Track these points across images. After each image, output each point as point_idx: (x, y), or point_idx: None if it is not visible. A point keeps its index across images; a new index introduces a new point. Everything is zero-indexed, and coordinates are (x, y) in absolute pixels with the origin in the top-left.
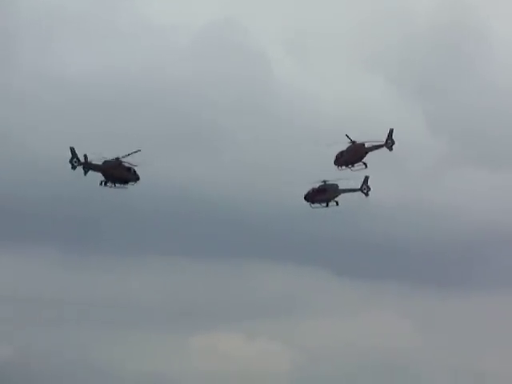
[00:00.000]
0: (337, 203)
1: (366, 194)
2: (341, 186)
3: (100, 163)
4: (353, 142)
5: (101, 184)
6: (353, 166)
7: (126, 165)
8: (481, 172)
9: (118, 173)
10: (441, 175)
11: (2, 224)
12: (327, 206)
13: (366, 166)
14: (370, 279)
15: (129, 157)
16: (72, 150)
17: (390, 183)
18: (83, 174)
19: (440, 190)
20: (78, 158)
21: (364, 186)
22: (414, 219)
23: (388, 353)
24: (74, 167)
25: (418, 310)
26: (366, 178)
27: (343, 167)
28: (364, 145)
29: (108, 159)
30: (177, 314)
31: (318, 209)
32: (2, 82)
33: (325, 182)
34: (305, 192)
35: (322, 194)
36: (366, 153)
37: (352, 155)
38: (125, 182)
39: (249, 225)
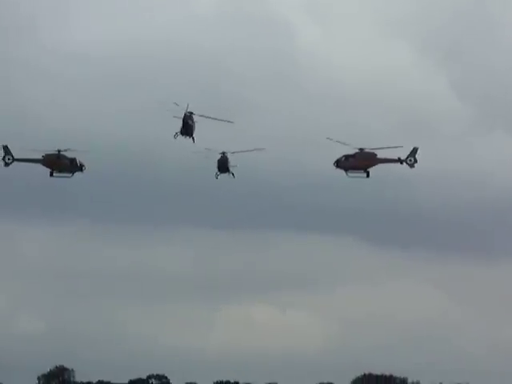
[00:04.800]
0: (367, 175)
1: (411, 166)
2: (380, 155)
3: (39, 157)
4: (361, 150)
5: (50, 175)
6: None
7: (68, 156)
8: (509, 138)
9: (59, 164)
10: (468, 142)
11: (31, 200)
12: (368, 176)
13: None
14: (400, 248)
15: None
16: (5, 147)
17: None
18: (4, 165)
19: (467, 157)
20: (11, 155)
21: (410, 158)
22: (446, 187)
23: (420, 322)
24: (7, 164)
25: (451, 278)
26: (415, 150)
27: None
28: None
29: (49, 153)
30: (206, 285)
31: (356, 178)
32: (22, 57)
33: (361, 149)
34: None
35: (355, 161)
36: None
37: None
38: (69, 172)
39: (277, 196)
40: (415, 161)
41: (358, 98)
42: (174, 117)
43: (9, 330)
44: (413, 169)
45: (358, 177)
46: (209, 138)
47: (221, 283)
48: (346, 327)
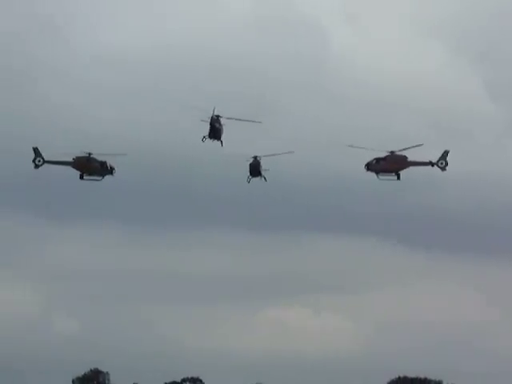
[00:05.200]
0: (398, 177)
1: (443, 169)
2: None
3: (70, 159)
4: (391, 152)
5: (80, 178)
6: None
7: (98, 159)
8: None
9: (89, 167)
10: (503, 144)
11: (63, 202)
12: (398, 178)
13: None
14: (435, 250)
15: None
16: (35, 150)
17: (454, 153)
18: (34, 167)
19: (501, 159)
20: (42, 157)
21: (441, 161)
22: (479, 189)
23: (455, 324)
24: (37, 166)
25: (486, 281)
26: (446, 153)
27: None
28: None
29: (79, 155)
30: (242, 289)
31: (386, 181)
32: (56, 64)
33: (392, 152)
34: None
35: (385, 164)
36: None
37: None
38: (99, 175)
39: (313, 199)
40: (446, 164)
41: (389, 100)
42: (202, 120)
43: (43, 332)
44: (445, 171)
45: (388, 180)
46: (237, 140)
47: (255, 286)
48: (379, 330)
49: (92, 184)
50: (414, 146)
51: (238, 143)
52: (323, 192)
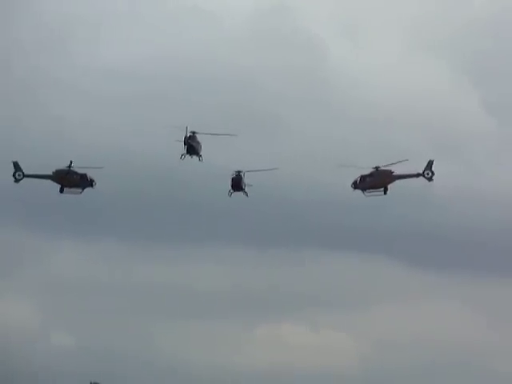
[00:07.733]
0: (385, 191)
1: (429, 180)
2: (397, 172)
3: (50, 173)
4: (376, 168)
5: (60, 191)
6: (370, 190)
7: (79, 172)
8: None
9: (69, 180)
10: (503, 162)
11: (64, 216)
12: (385, 193)
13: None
14: (435, 268)
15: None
16: (15, 164)
17: (452, 171)
18: (14, 181)
19: (502, 178)
20: (22, 171)
21: (427, 171)
22: (477, 207)
23: (455, 344)
24: (17, 180)
25: (486, 300)
26: (430, 163)
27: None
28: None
29: (59, 168)
30: (240, 304)
31: (376, 197)
32: (54, 75)
33: (377, 168)
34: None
35: (372, 180)
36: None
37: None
38: (80, 187)
39: (309, 214)
40: (433, 173)
41: (387, 116)
42: (177, 141)
43: (41, 347)
44: (444, 188)
45: (375, 195)
46: (241, 155)
47: (254, 303)
48: (378, 348)
49: (76, 198)
50: (399, 162)
51: (230, 157)
52: (321, 208)
